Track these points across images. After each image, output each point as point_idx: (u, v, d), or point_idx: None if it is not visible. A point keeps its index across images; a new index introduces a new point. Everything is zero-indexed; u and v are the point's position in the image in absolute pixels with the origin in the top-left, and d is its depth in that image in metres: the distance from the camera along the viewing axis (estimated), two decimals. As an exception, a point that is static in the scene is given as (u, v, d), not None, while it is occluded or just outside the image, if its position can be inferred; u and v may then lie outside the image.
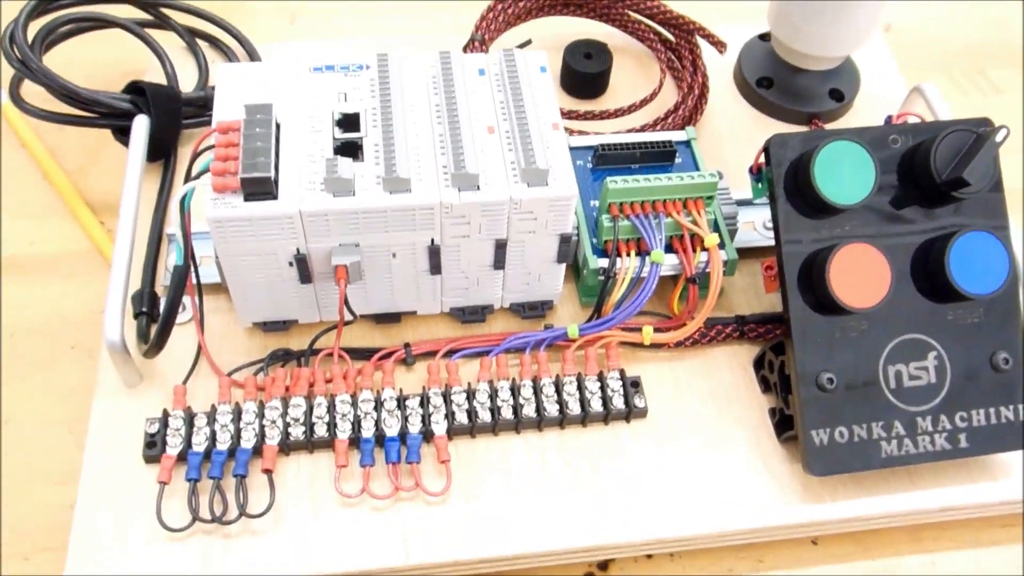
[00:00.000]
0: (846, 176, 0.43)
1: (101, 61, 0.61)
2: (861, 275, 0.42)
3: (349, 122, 0.43)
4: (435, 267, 0.44)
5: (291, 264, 0.43)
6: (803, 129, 0.59)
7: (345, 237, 0.42)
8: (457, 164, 0.41)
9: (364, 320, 0.48)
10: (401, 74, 0.45)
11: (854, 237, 0.43)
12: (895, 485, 0.45)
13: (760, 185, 0.46)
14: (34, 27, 0.54)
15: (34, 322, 0.51)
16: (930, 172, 0.43)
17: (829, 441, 0.43)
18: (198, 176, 0.41)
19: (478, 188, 0.41)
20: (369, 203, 0.40)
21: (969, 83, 0.67)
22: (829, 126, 0.59)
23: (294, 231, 0.41)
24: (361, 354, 0.47)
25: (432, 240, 0.43)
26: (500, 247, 0.44)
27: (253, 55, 0.59)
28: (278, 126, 0.42)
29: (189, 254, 0.41)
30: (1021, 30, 0.71)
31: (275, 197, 0.40)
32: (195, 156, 0.42)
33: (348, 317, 0.44)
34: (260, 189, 0.39)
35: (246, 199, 0.40)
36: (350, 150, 0.42)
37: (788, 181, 0.44)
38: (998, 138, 0.42)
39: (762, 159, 0.45)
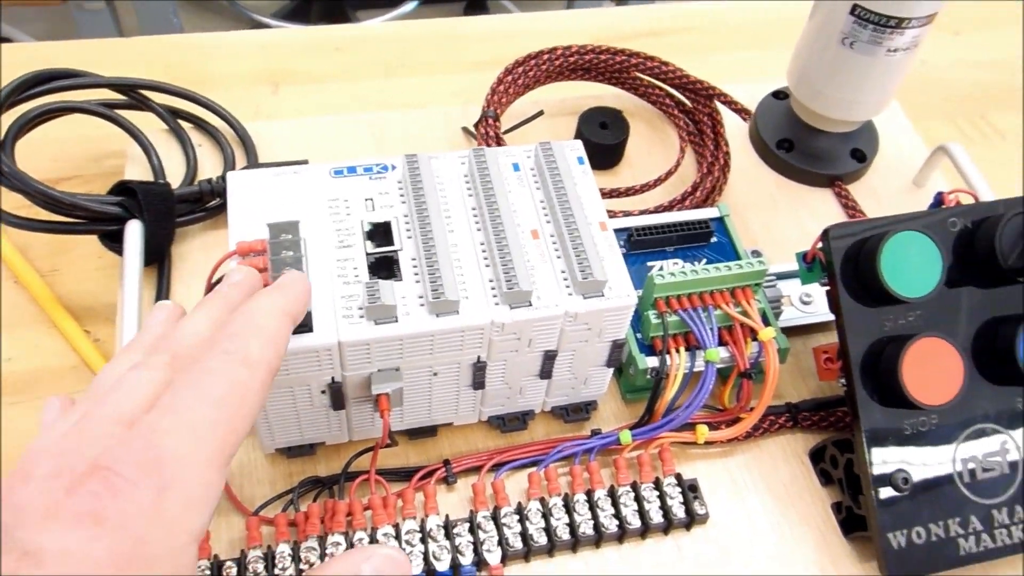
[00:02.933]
0: (912, 267, 0.41)
1: (70, 141, 0.56)
2: (933, 370, 0.40)
3: (380, 233, 0.39)
4: (479, 383, 0.41)
5: (323, 392, 0.39)
6: (827, 193, 0.57)
7: (386, 363, 0.38)
8: (508, 279, 0.37)
9: (396, 435, 0.44)
10: (432, 174, 0.41)
11: (919, 328, 0.41)
12: (970, 580, 0.43)
13: (811, 272, 0.44)
14: (5, 119, 0.48)
15: (14, 455, 0.46)
16: (995, 256, 0.41)
17: (907, 543, 0.40)
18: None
19: (531, 304, 0.38)
20: (415, 329, 0.37)
21: (973, 129, 0.66)
22: (851, 187, 0.57)
23: (331, 362, 0.37)
24: (397, 475, 0.43)
25: (479, 357, 0.39)
26: (549, 358, 0.41)
27: (244, 137, 0.54)
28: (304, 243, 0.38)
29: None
30: (1021, 73, 0.70)
31: (311, 329, 0.36)
32: (211, 285, 0.38)
33: (390, 442, 0.41)
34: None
35: (280, 334, 0.36)
36: (386, 267, 0.38)
37: (848, 268, 0.42)
38: (1067, 222, 0.40)
39: (820, 246, 0.42)
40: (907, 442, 0.41)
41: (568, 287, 0.38)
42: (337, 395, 0.39)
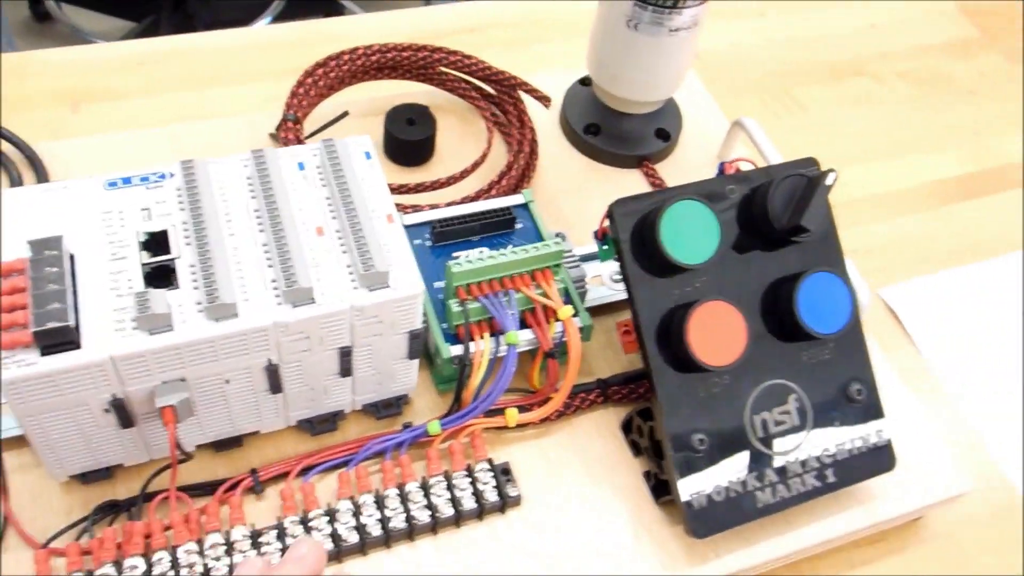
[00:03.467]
0: (692, 235, 0.42)
1: None
2: (718, 332, 0.42)
3: (157, 242, 0.38)
4: (275, 386, 0.40)
5: (107, 411, 0.38)
6: (636, 174, 0.58)
7: (168, 374, 0.37)
8: (287, 278, 0.37)
9: (201, 449, 0.43)
10: (210, 180, 0.40)
11: (706, 293, 0.43)
12: (773, 530, 0.45)
13: (606, 248, 0.45)
14: None
15: None
16: (769, 220, 0.43)
17: (707, 502, 0.42)
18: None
19: (314, 301, 0.37)
20: (192, 336, 0.36)
21: (778, 104, 0.69)
22: (659, 166, 0.59)
23: (107, 378, 0.36)
24: (203, 489, 0.42)
25: (269, 360, 0.39)
26: (345, 355, 0.40)
27: (33, 158, 0.52)
28: (72, 259, 0.37)
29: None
30: (819, 48, 0.74)
31: (78, 346, 0.35)
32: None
33: (182, 456, 0.40)
34: (59, 340, 0.34)
35: (43, 353, 0.34)
36: (163, 276, 0.37)
37: (635, 243, 0.43)
38: (828, 182, 0.42)
39: (606, 224, 0.44)
40: (702, 405, 0.43)
41: (354, 281, 0.38)
42: (123, 413, 0.38)
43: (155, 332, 0.36)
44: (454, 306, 0.44)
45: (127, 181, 0.40)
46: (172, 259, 0.38)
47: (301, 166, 0.42)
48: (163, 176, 0.40)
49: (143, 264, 0.38)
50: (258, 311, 0.37)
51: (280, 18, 1.71)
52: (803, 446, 0.44)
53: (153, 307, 0.35)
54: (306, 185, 0.41)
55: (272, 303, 0.37)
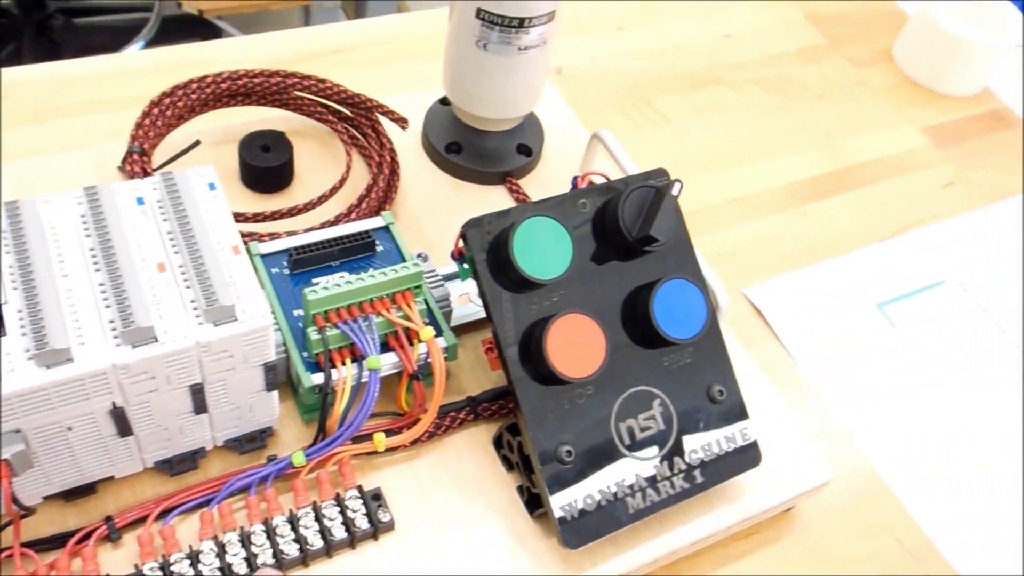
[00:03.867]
0: (545, 250, 0.43)
1: None
2: (578, 344, 0.42)
3: (-18, 288, 0.36)
4: (124, 430, 0.39)
5: (-62, 468, 0.35)
6: (500, 190, 0.59)
7: (3, 425, 0.35)
8: (125, 318, 0.36)
9: (50, 500, 0.41)
10: (40, 220, 0.38)
11: (564, 307, 0.43)
12: (647, 534, 0.45)
13: (465, 267, 0.45)
14: None
15: None
16: (621, 232, 0.44)
17: (579, 512, 0.42)
18: None
19: (156, 339, 0.36)
20: (21, 385, 0.34)
21: (640, 115, 0.71)
22: (523, 181, 0.59)
23: (-70, 435, 0.34)
24: (52, 543, 0.40)
25: (114, 404, 0.37)
26: (197, 392, 0.39)
27: None
28: None
29: None
30: (677, 59, 0.76)
31: None
32: None
33: (22, 512, 0.37)
34: None
35: None
36: (-11, 322, 0.36)
37: (491, 260, 0.43)
38: (673, 192, 0.43)
39: (461, 244, 0.44)
40: (567, 416, 0.43)
41: (198, 317, 0.37)
42: (-45, 469, 0.36)
43: (-20, 383, 0.34)
44: (312, 334, 0.43)
45: (-53, 225, 0.38)
46: (-1, 305, 0.36)
47: (140, 201, 0.40)
48: (-13, 218, 0.38)
49: (-34, 312, 0.35)
50: (94, 354, 0.35)
51: (153, 43, 1.66)
52: (670, 449, 0.45)
53: (-24, 357, 0.33)
54: (145, 220, 0.40)
55: (110, 345, 0.36)
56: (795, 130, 0.74)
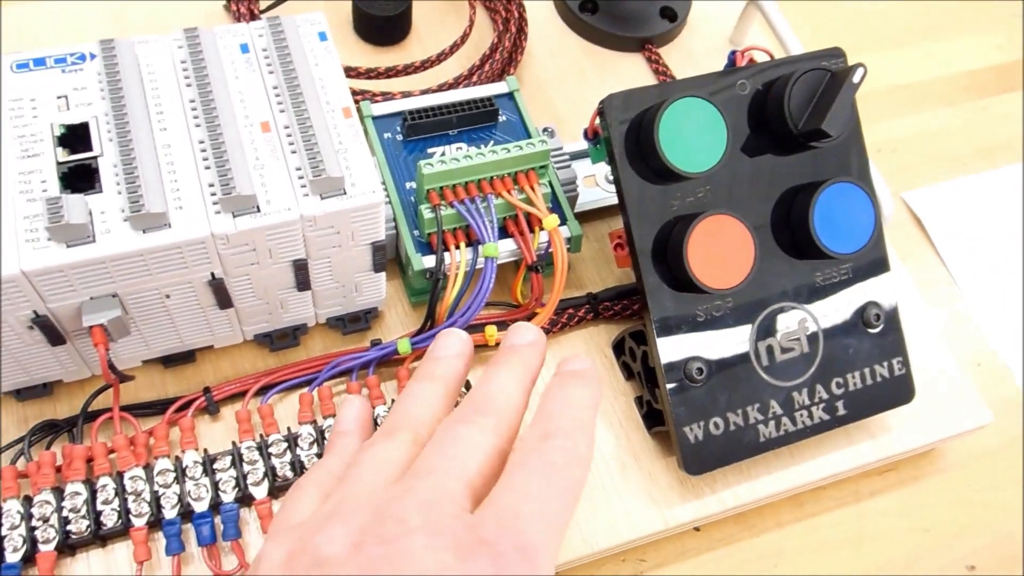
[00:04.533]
0: (695, 138, 0.37)
1: None
2: (722, 251, 0.37)
3: (76, 137, 0.33)
4: (224, 301, 0.36)
5: (31, 328, 0.33)
6: (638, 58, 0.52)
7: (96, 289, 0.33)
8: (226, 183, 0.32)
9: (149, 365, 0.39)
10: (137, 63, 0.35)
11: (710, 205, 0.38)
12: (775, 464, 0.41)
13: (598, 148, 0.40)
14: None
15: None
16: (785, 122, 0.38)
17: (704, 435, 0.38)
18: None
19: (258, 210, 0.33)
20: (115, 249, 0.31)
21: (803, -20, 0.62)
22: (663, 50, 0.52)
23: (23, 295, 0.31)
24: (151, 408, 0.38)
25: (212, 275, 0.34)
26: (300, 268, 0.36)
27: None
28: (-25, 156, 0.32)
29: None
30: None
31: (-18, 258, 0.30)
32: None
33: (120, 377, 0.36)
34: (-43, 253, 0.30)
35: (-59, 268, 0.30)
36: (84, 176, 0.32)
37: (630, 145, 0.38)
38: (855, 79, 0.36)
39: (597, 122, 0.38)
40: (701, 329, 0.38)
41: (304, 188, 0.33)
42: (50, 330, 0.33)
43: (73, 244, 0.31)
44: (426, 212, 0.39)
45: (40, 63, 0.34)
46: (94, 157, 0.33)
47: (244, 48, 0.36)
48: (82, 57, 0.35)
49: (59, 163, 0.32)
50: (193, 221, 0.32)
51: None
52: (812, 375, 0.40)
53: (68, 215, 0.30)
54: (249, 71, 0.35)
55: (210, 212, 0.32)
56: (979, 6, 0.63)
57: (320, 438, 0.38)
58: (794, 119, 0.38)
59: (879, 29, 0.61)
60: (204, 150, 0.33)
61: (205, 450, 0.37)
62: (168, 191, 0.32)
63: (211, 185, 0.33)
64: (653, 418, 0.40)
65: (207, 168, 0.33)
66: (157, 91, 0.34)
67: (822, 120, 0.37)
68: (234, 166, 0.32)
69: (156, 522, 0.35)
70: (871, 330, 0.40)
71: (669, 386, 0.38)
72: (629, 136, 0.38)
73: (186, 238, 0.32)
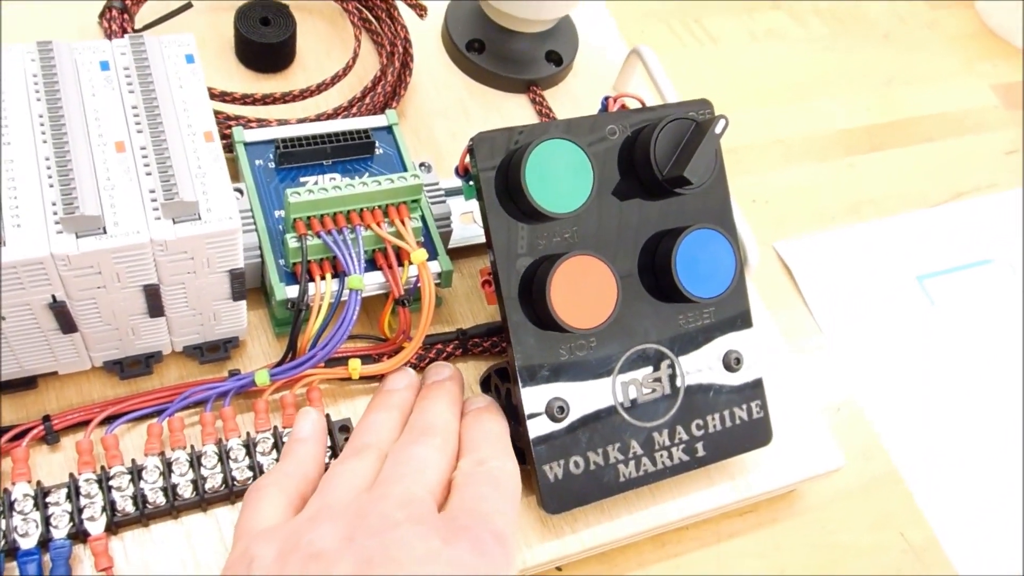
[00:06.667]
0: (562, 180, 0.37)
1: None
2: (586, 291, 0.37)
3: (-91, 147, 0.31)
4: (67, 326, 0.34)
5: None
6: (523, 99, 0.53)
7: (-79, 308, 0.31)
8: (69, 201, 0.31)
9: (-15, 391, 0.37)
10: (-17, 74, 0.33)
11: (576, 245, 0.38)
12: (636, 504, 0.41)
13: (470, 185, 0.40)
14: None
15: None
16: (651, 167, 0.38)
17: (564, 474, 0.38)
18: None
19: (104, 231, 0.31)
20: (-59, 266, 0.29)
21: (688, 33, 0.64)
22: (548, 92, 0.53)
23: None
24: (-17, 438, 0.36)
25: (53, 297, 0.33)
26: (152, 294, 0.34)
27: None
28: None
29: None
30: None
31: None
32: None
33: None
34: None
35: None
36: (-89, 189, 0.31)
37: (500, 183, 0.38)
38: (717, 130, 0.38)
39: (468, 160, 0.38)
40: (565, 368, 0.38)
41: (156, 210, 0.32)
42: None
43: None
44: (291, 241, 0.38)
45: None
46: (-74, 170, 0.31)
47: (104, 65, 0.35)
48: (-74, 67, 0.33)
49: None
50: (31, 240, 0.30)
51: None
52: (673, 416, 0.40)
53: None
54: (108, 89, 0.34)
55: (51, 231, 0.31)
56: (853, 71, 0.67)
57: (167, 470, 0.36)
58: (659, 165, 0.38)
59: (761, 86, 0.64)
60: (49, 167, 0.32)
61: (39, 483, 0.35)
62: (6, 208, 0.31)
63: (53, 204, 0.31)
64: (516, 455, 0.40)
65: (51, 186, 0.32)
66: (3, 103, 0.33)
67: (685, 167, 0.38)
68: (80, 184, 0.31)
69: (-23, 558, 0.33)
70: (732, 373, 0.41)
71: (530, 424, 0.38)
72: (498, 175, 0.38)
73: (21, 258, 0.30)
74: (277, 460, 0.37)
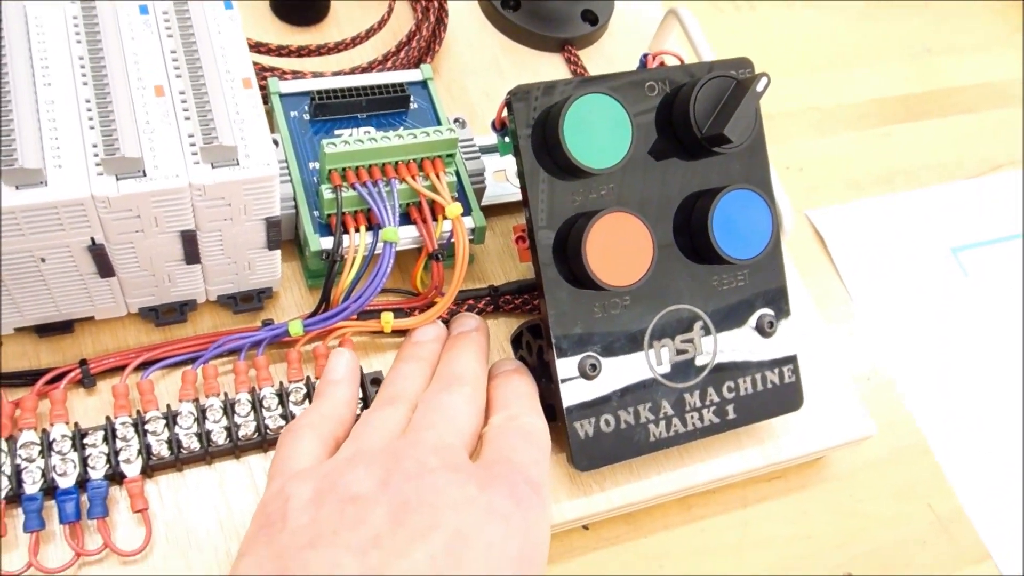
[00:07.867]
0: (600, 135, 0.37)
1: None
2: (621, 248, 0.37)
3: (-48, 86, 0.31)
4: (105, 270, 0.34)
5: None
6: (557, 58, 0.52)
7: (-38, 247, 0.31)
8: (110, 144, 0.31)
9: (22, 333, 0.38)
10: (23, 16, 0.33)
11: (612, 203, 0.38)
12: (665, 464, 0.41)
13: (506, 140, 0.40)
14: None
15: None
16: (690, 126, 0.38)
17: (595, 432, 0.38)
18: None
19: (143, 174, 0.31)
20: (-14, 205, 0.29)
21: (726, -2, 0.63)
22: (583, 52, 0.53)
23: None
24: (20, 379, 0.37)
25: (92, 240, 0.33)
26: (189, 240, 0.35)
27: None
28: None
29: None
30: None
31: None
32: None
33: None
34: None
35: None
36: (-42, 128, 0.31)
37: (537, 137, 0.38)
38: (759, 88, 0.37)
39: (505, 113, 0.38)
40: (597, 326, 0.38)
41: (195, 155, 0.32)
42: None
43: (-62, 196, 0.29)
44: (326, 192, 0.38)
45: (-80, 7, 0.33)
46: (-30, 109, 0.31)
47: (143, 10, 0.35)
48: (-31, 6, 0.33)
49: (-68, 112, 0.31)
50: (71, 181, 0.30)
51: None
52: (704, 378, 0.40)
53: (-67, 165, 0.29)
54: (147, 34, 0.34)
55: (91, 173, 0.31)
56: (891, 38, 0.66)
57: (201, 416, 0.36)
58: (699, 123, 0.38)
59: (797, 53, 0.63)
60: (90, 109, 0.32)
61: (76, 424, 0.35)
62: (47, 148, 0.31)
63: (95, 145, 0.31)
64: (547, 413, 0.40)
65: (92, 128, 0.32)
66: (44, 45, 0.33)
67: (725, 125, 0.37)
68: (120, 127, 0.31)
69: (15, 497, 0.34)
70: (764, 336, 0.41)
71: (562, 381, 0.38)
72: (536, 129, 0.37)
73: (62, 198, 0.30)
74: (309, 410, 0.38)
